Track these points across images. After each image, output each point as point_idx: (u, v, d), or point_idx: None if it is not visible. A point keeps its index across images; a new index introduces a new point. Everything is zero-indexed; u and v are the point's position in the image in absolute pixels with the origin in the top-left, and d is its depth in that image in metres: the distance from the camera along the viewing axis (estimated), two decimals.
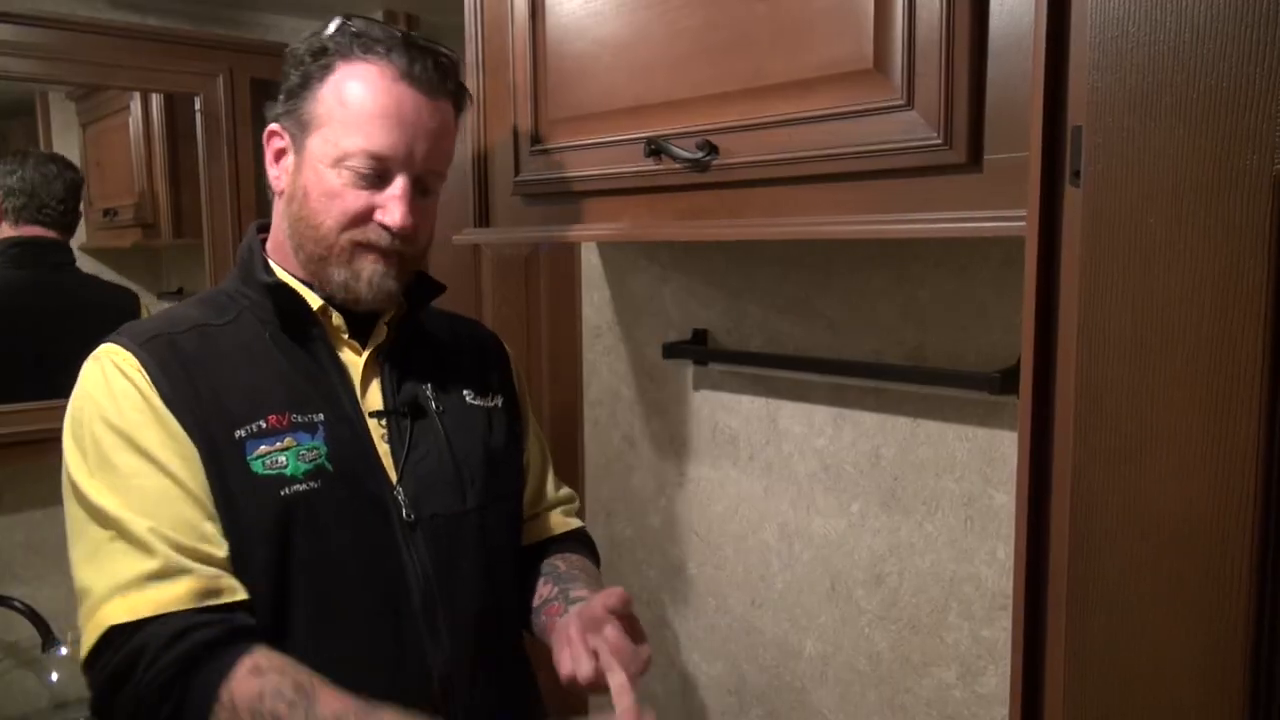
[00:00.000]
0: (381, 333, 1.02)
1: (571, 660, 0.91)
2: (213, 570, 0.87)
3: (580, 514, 1.25)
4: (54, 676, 1.77)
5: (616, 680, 0.87)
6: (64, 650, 1.75)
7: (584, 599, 1.02)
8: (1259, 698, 0.56)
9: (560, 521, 1.20)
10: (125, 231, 2.13)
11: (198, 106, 2.03)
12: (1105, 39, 0.58)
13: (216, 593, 0.87)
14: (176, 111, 2.07)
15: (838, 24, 0.89)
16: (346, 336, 1.01)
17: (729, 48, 0.98)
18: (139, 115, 2.08)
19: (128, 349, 0.92)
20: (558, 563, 1.13)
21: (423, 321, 1.08)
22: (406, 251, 0.98)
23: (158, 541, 0.85)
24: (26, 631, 1.78)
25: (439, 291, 1.08)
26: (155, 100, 2.06)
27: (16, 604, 1.76)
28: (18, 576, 1.87)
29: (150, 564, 0.85)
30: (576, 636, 0.92)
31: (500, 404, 1.12)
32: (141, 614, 0.84)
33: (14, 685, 1.87)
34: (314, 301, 0.98)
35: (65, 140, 2.03)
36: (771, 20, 0.94)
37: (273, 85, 1.01)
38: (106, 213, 2.12)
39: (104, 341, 0.94)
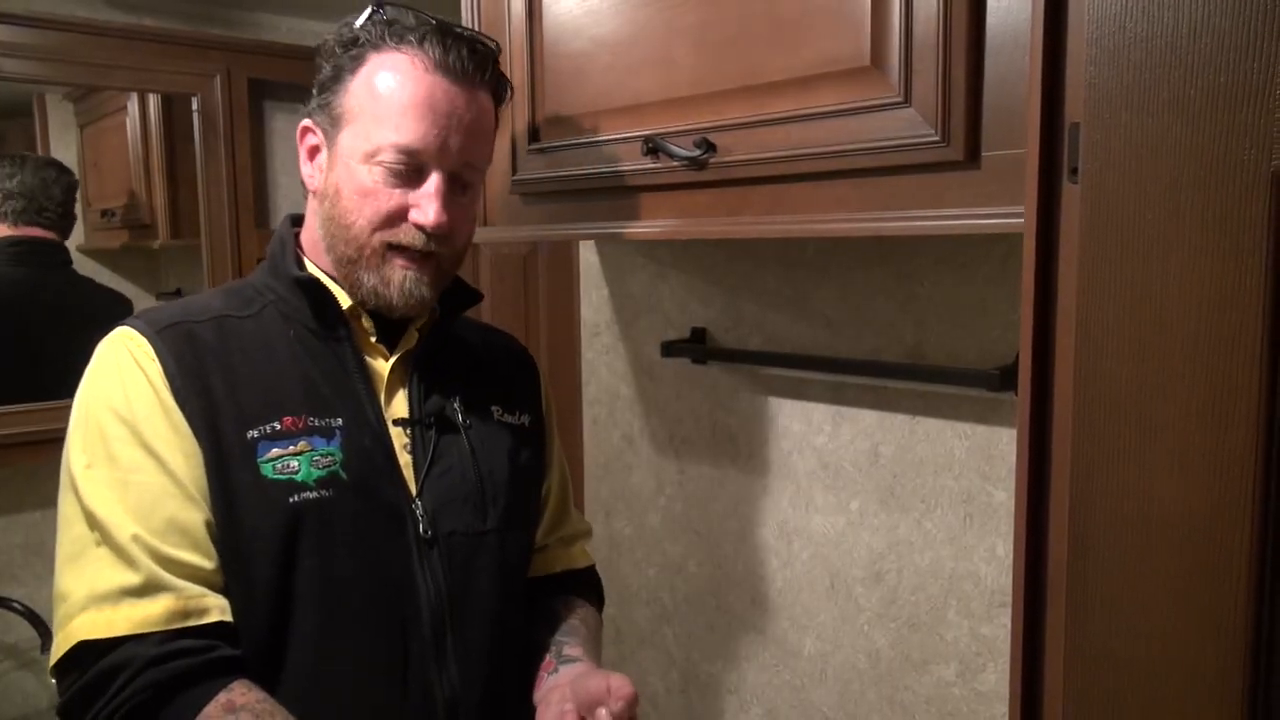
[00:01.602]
0: (411, 339, 0.98)
1: None
2: (195, 589, 0.84)
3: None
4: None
5: None
6: None
7: (576, 659, 0.99)
8: (1257, 692, 0.56)
9: (570, 556, 1.15)
10: (123, 232, 2.12)
11: (195, 107, 2.03)
12: (1103, 35, 0.58)
13: (198, 613, 0.83)
14: (174, 112, 2.06)
15: (835, 21, 0.89)
16: (374, 340, 0.96)
17: (726, 45, 0.98)
18: (136, 116, 2.08)
19: (144, 335, 0.88)
20: (559, 609, 1.08)
21: (454, 330, 1.04)
22: (442, 252, 0.93)
23: (140, 552, 0.82)
24: (26, 633, 1.78)
25: (475, 300, 1.04)
26: (152, 101, 2.06)
27: (15, 605, 1.76)
28: (16, 578, 1.88)
29: (130, 578, 0.82)
30: (572, 712, 0.87)
31: (527, 423, 1.07)
32: (116, 632, 0.81)
33: (13, 686, 1.87)
34: (344, 301, 0.94)
35: (63, 141, 2.03)
36: (768, 18, 0.94)
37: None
38: (104, 214, 2.11)
39: (121, 324, 0.91)
